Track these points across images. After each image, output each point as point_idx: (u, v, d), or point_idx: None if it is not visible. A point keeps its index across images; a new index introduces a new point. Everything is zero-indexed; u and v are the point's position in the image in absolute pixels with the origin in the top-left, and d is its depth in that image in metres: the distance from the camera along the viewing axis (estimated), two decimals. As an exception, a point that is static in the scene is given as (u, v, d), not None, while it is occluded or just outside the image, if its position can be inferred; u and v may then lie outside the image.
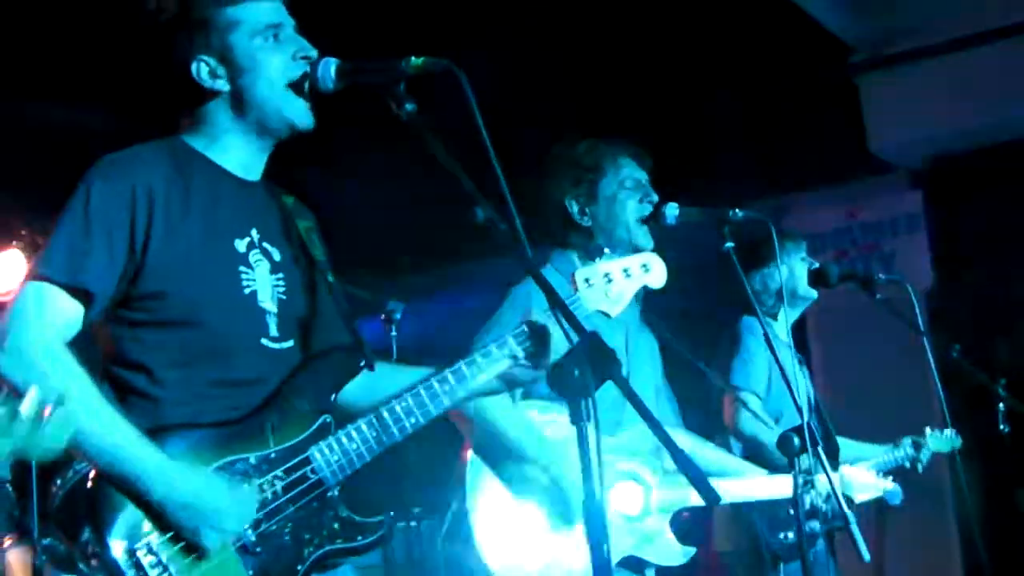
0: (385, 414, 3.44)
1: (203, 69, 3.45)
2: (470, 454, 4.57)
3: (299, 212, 3.69)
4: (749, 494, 5.30)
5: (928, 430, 6.74)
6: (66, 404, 2.98)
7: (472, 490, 4.56)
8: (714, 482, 3.03)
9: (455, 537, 4.56)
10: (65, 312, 3.22)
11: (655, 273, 3.96)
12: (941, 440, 6.76)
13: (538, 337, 3.60)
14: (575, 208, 4.98)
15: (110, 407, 3.17)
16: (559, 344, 3.54)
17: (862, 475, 6.05)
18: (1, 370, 3.14)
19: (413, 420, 3.46)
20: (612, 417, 4.67)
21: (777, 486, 5.28)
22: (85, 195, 3.28)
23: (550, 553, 4.53)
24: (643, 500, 4.79)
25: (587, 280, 3.82)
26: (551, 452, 4.41)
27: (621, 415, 4.70)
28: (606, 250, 3.90)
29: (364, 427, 3.41)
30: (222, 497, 3.16)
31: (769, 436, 5.83)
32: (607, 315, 3.87)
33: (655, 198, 4.96)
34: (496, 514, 4.55)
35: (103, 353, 3.38)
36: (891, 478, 6.22)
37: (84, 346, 3.29)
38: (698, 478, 2.83)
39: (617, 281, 3.86)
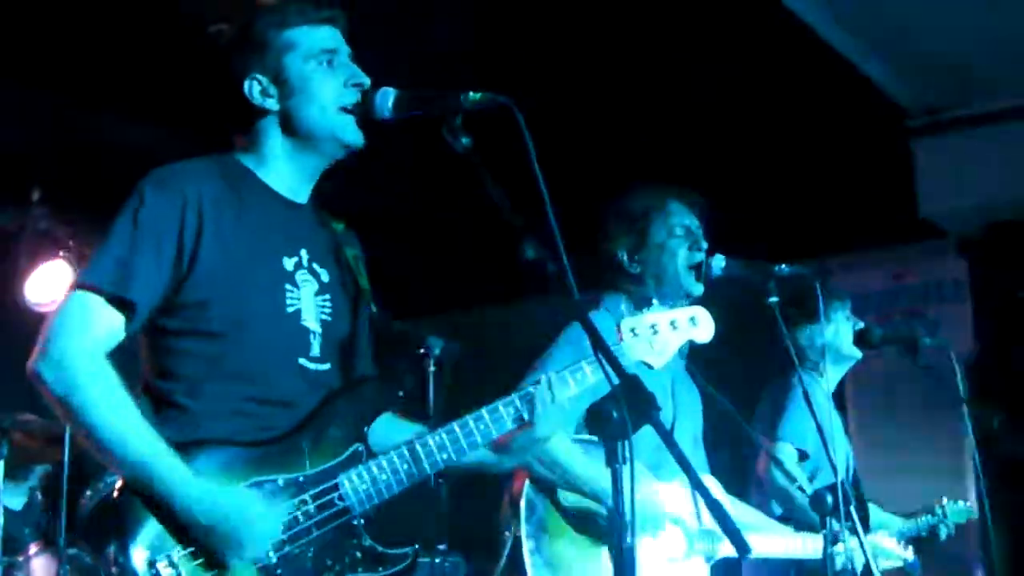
0: (418, 447, 3.43)
1: (255, 87, 3.49)
2: (525, 486, 4.57)
3: (347, 240, 3.72)
4: (779, 551, 5.26)
5: (944, 500, 6.69)
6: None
7: (527, 522, 4.56)
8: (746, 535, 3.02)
9: (511, 568, 4.56)
10: (108, 322, 3.23)
11: (702, 328, 3.98)
12: (956, 511, 6.72)
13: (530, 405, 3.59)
14: (625, 256, 4.97)
15: (143, 421, 3.18)
16: (550, 416, 3.58)
17: (886, 542, 6.01)
18: (42, 378, 3.17)
19: (445, 456, 3.46)
20: (652, 461, 4.66)
21: (807, 545, 5.24)
22: (136, 204, 3.31)
23: None
24: (686, 546, 4.76)
25: (632, 330, 3.83)
26: (607, 484, 4.41)
27: (660, 459, 4.69)
28: (654, 301, 3.91)
29: (396, 459, 3.41)
30: (246, 519, 3.16)
31: (799, 494, 5.81)
32: (650, 367, 3.87)
33: (705, 245, 4.94)
34: (551, 546, 4.55)
35: (143, 364, 3.39)
36: (911, 548, 6.18)
37: (125, 359, 3.31)
38: (731, 528, 2.82)
39: (663, 333, 3.87)
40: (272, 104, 3.50)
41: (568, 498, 4.57)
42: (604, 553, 4.55)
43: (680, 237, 4.96)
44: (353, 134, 3.50)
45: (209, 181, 3.40)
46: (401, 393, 3.61)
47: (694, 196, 5.11)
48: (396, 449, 3.42)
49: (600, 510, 4.51)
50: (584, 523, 4.58)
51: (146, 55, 7.38)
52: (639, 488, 4.49)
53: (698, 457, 5.08)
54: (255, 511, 3.18)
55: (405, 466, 3.41)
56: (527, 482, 4.57)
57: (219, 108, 3.60)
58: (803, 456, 6.13)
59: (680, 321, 3.90)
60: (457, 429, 3.49)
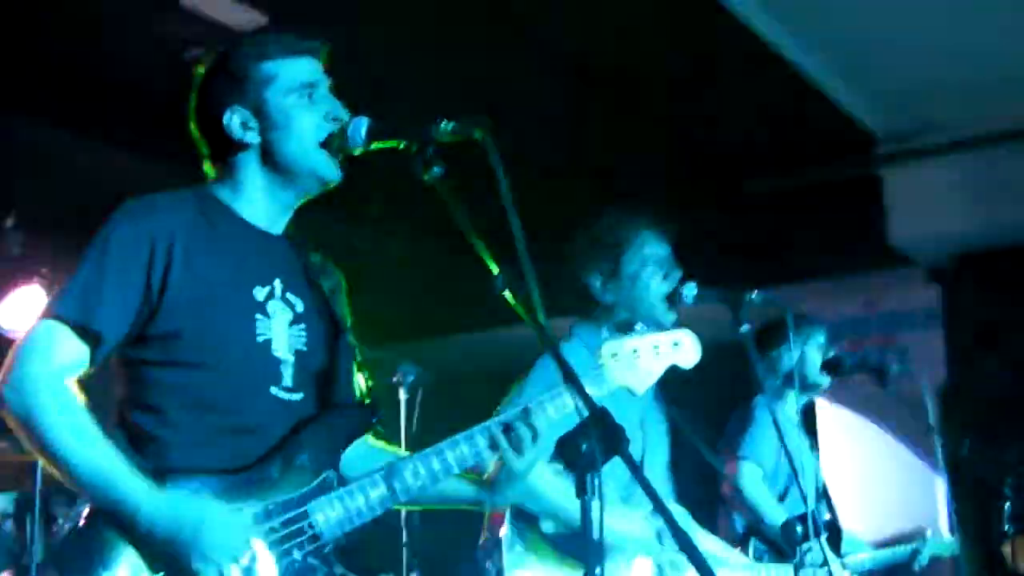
0: (391, 474, 3.42)
1: (235, 120, 3.48)
2: (506, 517, 4.57)
3: (325, 270, 3.71)
4: None
5: (928, 533, 6.72)
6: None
7: (509, 552, 4.56)
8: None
9: None
10: (71, 351, 3.24)
11: (685, 352, 3.92)
12: (942, 545, 6.75)
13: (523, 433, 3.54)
14: (598, 284, 4.97)
15: (104, 439, 3.18)
16: (529, 450, 3.52)
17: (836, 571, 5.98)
18: (4, 401, 3.17)
19: (419, 484, 3.44)
20: (623, 492, 4.67)
21: None
22: (105, 236, 3.32)
23: None
24: (655, 573, 4.76)
25: (614, 355, 3.79)
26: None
27: (631, 490, 4.70)
28: (638, 326, 3.86)
29: (368, 486, 3.40)
30: (211, 523, 3.14)
31: (767, 507, 5.85)
32: (633, 392, 3.83)
33: (678, 274, 4.96)
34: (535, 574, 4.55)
35: (118, 395, 3.39)
36: None
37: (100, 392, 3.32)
38: (698, 559, 2.84)
39: (644, 357, 3.82)
40: (252, 137, 3.48)
41: (549, 526, 4.59)
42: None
43: (654, 267, 4.96)
44: (330, 170, 3.49)
45: (181, 213, 3.40)
46: (375, 420, 3.59)
47: (666, 223, 5.11)
48: (369, 476, 3.41)
49: (577, 537, 4.50)
50: (567, 549, 4.58)
51: (124, 83, 7.39)
52: (609, 520, 4.55)
53: (666, 487, 5.09)
54: (216, 516, 3.16)
55: (377, 493, 3.39)
56: (507, 513, 4.57)
57: (196, 136, 3.58)
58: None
59: (663, 346, 3.85)
60: (432, 456, 3.47)
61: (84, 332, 3.24)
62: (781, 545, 5.09)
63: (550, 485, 4.51)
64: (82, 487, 3.15)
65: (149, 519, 3.10)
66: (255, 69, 3.50)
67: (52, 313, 3.26)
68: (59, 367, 3.21)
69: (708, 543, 5.28)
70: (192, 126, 3.59)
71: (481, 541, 4.71)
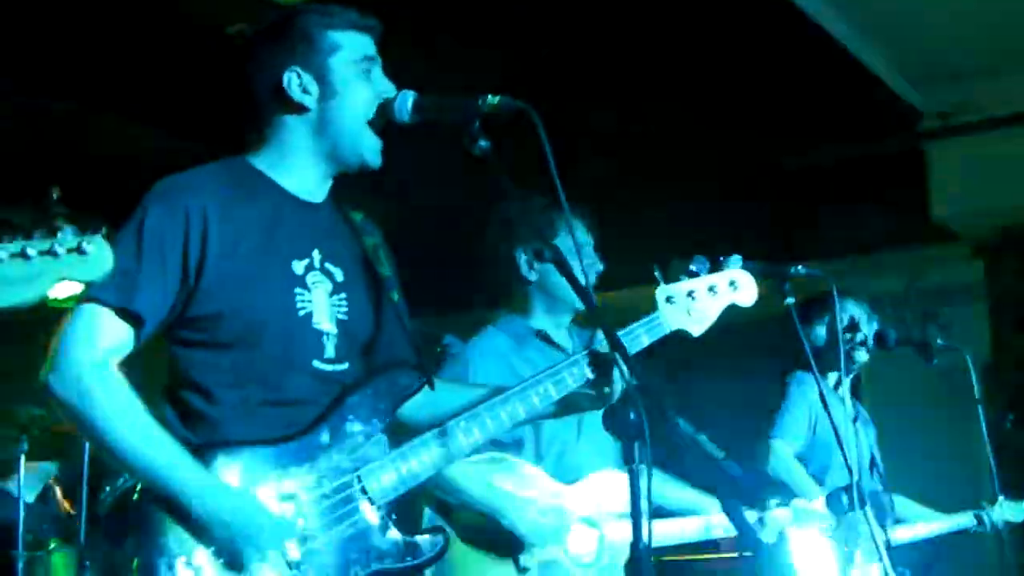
0: (443, 436, 3.44)
1: (294, 81, 3.46)
2: (425, 512, 4.53)
3: (366, 228, 3.70)
4: (676, 532, 5.13)
5: (1001, 498, 6.66)
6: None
7: None
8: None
9: None
10: (114, 334, 3.24)
11: (743, 291, 3.88)
12: (1015, 509, 6.70)
13: (602, 366, 3.55)
14: (523, 260, 4.86)
15: (154, 424, 3.20)
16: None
17: (813, 505, 5.84)
18: (53, 390, 3.18)
19: (472, 444, 3.47)
20: (557, 465, 4.64)
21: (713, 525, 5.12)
22: (140, 218, 3.30)
23: None
24: (597, 543, 4.69)
25: (669, 298, 3.75)
26: (503, 501, 4.46)
27: (570, 462, 4.66)
28: (692, 267, 3.81)
29: (420, 447, 3.42)
30: (260, 516, 3.17)
31: (800, 483, 5.85)
32: (689, 334, 3.79)
33: (600, 267, 4.87)
34: (450, 565, 4.45)
35: (168, 373, 3.40)
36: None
37: (141, 368, 3.34)
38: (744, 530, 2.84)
39: (701, 299, 3.78)
40: (309, 102, 3.47)
41: (463, 517, 4.52)
42: (499, 567, 4.50)
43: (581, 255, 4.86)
44: (374, 155, 3.49)
45: (215, 189, 3.39)
46: (424, 380, 3.58)
47: (590, 215, 4.95)
48: (421, 437, 3.43)
49: (493, 526, 4.47)
50: (480, 540, 4.51)
51: (166, 59, 7.42)
52: (542, 496, 4.52)
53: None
54: (266, 511, 3.19)
55: (430, 454, 3.42)
56: (427, 509, 4.53)
57: (244, 98, 3.56)
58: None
59: (719, 286, 3.81)
60: (484, 413, 3.49)
61: (125, 314, 3.24)
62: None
63: (468, 477, 4.47)
64: (134, 476, 3.17)
65: (201, 512, 3.13)
66: (322, 36, 3.48)
67: (91, 297, 3.24)
68: (104, 351, 3.21)
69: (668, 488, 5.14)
70: (240, 87, 3.57)
71: None
